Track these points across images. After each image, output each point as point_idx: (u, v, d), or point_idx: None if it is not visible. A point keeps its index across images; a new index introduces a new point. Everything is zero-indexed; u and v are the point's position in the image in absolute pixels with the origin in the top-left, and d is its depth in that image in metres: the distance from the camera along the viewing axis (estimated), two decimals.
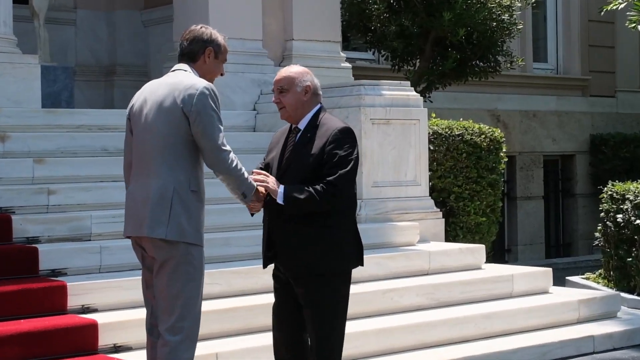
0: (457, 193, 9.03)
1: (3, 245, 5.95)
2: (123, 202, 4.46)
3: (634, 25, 9.71)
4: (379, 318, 6.33)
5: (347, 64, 9.33)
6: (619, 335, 6.91)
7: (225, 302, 5.94)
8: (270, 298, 4.65)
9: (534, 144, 13.60)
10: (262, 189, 4.30)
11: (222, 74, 4.49)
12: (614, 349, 6.79)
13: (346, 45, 11.67)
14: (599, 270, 9.25)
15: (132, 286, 5.54)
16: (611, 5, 9.90)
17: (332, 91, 7.87)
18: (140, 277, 4.45)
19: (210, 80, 4.36)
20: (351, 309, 4.61)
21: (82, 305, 5.60)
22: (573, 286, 8.74)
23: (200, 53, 4.37)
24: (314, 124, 4.38)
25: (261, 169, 4.51)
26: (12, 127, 7.11)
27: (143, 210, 4.20)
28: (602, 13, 10.50)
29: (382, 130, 7.86)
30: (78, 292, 5.61)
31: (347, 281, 4.42)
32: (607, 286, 8.82)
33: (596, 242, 9.30)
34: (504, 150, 9.44)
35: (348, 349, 4.92)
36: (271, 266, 4.49)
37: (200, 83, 4.24)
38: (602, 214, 8.97)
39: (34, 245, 6.01)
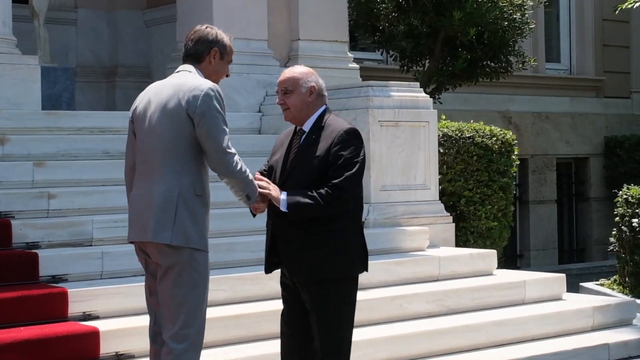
0: (468, 197, 8.95)
1: (2, 251, 5.91)
2: (125, 206, 4.43)
3: None
4: (387, 325, 6.27)
5: (355, 65, 9.29)
6: (634, 343, 6.82)
7: (230, 309, 5.90)
8: (276, 305, 4.66)
9: (546, 146, 13.49)
10: (264, 195, 4.26)
11: (227, 75, 4.46)
12: (630, 358, 6.71)
13: (354, 45, 11.67)
14: (614, 276, 9.22)
15: (134, 293, 5.48)
16: (626, 3, 9.88)
17: (339, 92, 7.82)
18: (143, 284, 4.41)
19: (216, 81, 4.33)
20: (358, 316, 4.57)
21: (84, 312, 5.55)
22: (587, 292, 8.72)
23: (205, 54, 4.34)
24: (319, 126, 4.35)
25: (264, 171, 4.47)
26: (11, 130, 7.07)
27: (147, 215, 4.17)
28: (617, 12, 10.45)
29: (390, 132, 7.79)
30: (79, 299, 5.55)
31: (353, 286, 4.38)
32: (622, 292, 8.79)
33: (611, 248, 9.30)
34: (515, 152, 9.37)
35: (356, 358, 4.86)
36: (276, 272, 4.46)
37: (205, 84, 4.21)
38: (617, 218, 8.94)
39: (34, 250, 5.97)
